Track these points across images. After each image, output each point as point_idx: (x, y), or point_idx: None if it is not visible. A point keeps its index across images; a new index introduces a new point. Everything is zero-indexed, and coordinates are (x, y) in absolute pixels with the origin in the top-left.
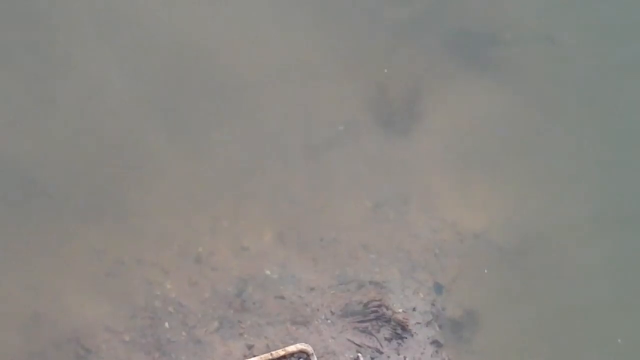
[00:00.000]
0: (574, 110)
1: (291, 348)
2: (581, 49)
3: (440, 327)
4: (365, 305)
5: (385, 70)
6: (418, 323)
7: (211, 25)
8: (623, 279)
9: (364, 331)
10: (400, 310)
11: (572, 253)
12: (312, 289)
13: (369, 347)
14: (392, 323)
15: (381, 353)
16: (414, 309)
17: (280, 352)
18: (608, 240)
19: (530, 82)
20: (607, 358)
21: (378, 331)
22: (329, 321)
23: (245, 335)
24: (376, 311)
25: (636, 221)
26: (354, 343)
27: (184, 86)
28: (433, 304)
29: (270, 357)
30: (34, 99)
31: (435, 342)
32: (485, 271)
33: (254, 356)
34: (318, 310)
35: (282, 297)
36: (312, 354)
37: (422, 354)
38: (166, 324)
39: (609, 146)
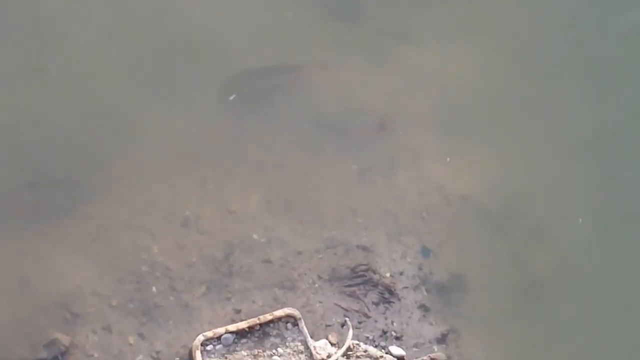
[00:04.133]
0: (567, 71)
1: (278, 312)
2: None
3: (427, 291)
4: (353, 269)
5: None
6: (405, 287)
7: None
8: (610, 239)
9: (352, 295)
10: (388, 274)
11: (559, 214)
12: (299, 253)
13: (356, 311)
14: (380, 287)
15: (368, 317)
16: (401, 273)
17: (268, 317)
18: (595, 200)
19: (517, 41)
20: (594, 318)
21: (365, 295)
22: (316, 285)
23: (233, 300)
24: (363, 275)
25: (623, 179)
26: (342, 307)
27: (169, 51)
28: (420, 268)
29: (258, 321)
30: (17, 67)
31: (422, 306)
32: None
33: (242, 320)
34: (305, 274)
35: (270, 261)
36: (300, 318)
37: (409, 318)
38: (154, 289)
39: (596, 105)
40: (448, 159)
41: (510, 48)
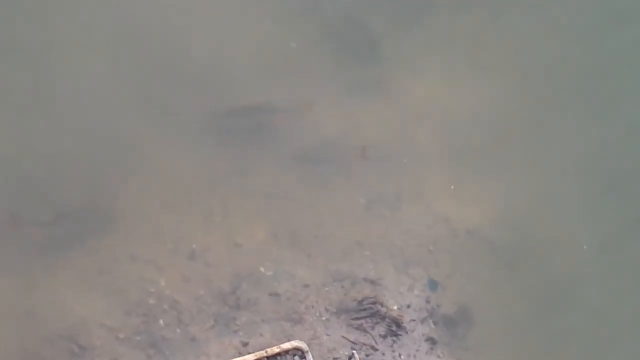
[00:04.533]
0: (569, 102)
1: (286, 345)
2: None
3: (434, 323)
4: (360, 302)
5: None
6: (413, 320)
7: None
8: (616, 273)
9: (359, 328)
10: (395, 307)
11: (565, 249)
12: (306, 285)
13: (363, 344)
14: (387, 320)
15: (376, 350)
16: (408, 306)
17: (275, 350)
18: (602, 234)
19: (523, 75)
20: (599, 350)
21: (373, 328)
22: (323, 318)
23: (240, 333)
24: (371, 308)
25: (631, 219)
26: (349, 340)
27: (178, 86)
28: (427, 301)
29: (265, 354)
30: (21, 98)
31: (430, 339)
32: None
33: (249, 353)
34: (313, 307)
35: (277, 294)
36: (307, 351)
37: (417, 350)
38: (161, 321)
39: (603, 137)
40: (452, 187)
41: (516, 81)
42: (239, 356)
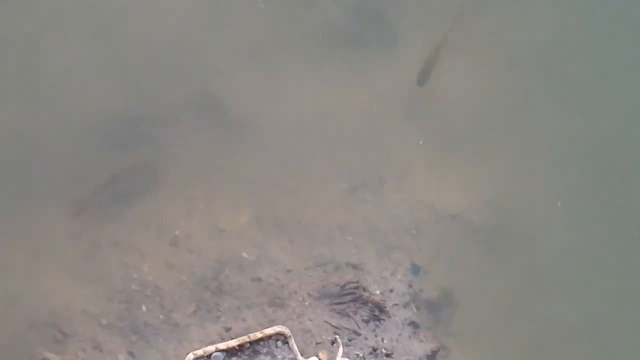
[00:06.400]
0: (555, 87)
1: (269, 330)
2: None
3: (417, 308)
4: (343, 287)
5: None
6: (395, 304)
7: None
8: (595, 259)
9: (342, 313)
10: (378, 291)
11: (547, 233)
12: (289, 270)
13: (346, 328)
14: (370, 305)
15: (359, 335)
16: (391, 291)
17: (258, 335)
18: (582, 220)
19: (507, 58)
20: (582, 337)
21: (355, 313)
22: (306, 303)
23: (223, 318)
24: (353, 293)
25: (611, 203)
26: (332, 325)
27: (158, 69)
28: (410, 285)
29: (248, 339)
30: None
31: (412, 324)
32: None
33: (232, 339)
34: (295, 292)
35: (259, 279)
36: (290, 336)
37: (399, 335)
38: (143, 307)
39: (589, 125)
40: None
41: (500, 65)
42: (222, 341)
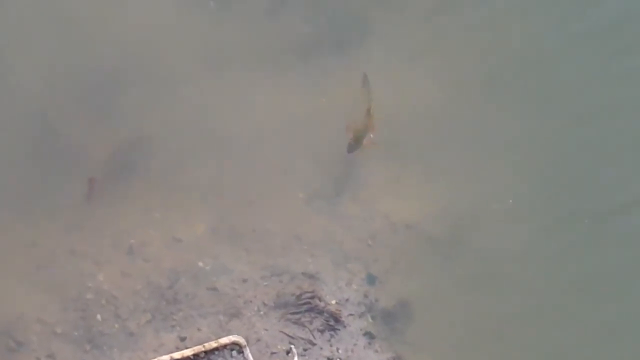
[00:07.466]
0: (508, 98)
1: (224, 340)
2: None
3: (373, 318)
4: (298, 296)
5: None
6: (351, 314)
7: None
8: (556, 267)
9: (297, 323)
10: (333, 301)
11: (500, 241)
12: (244, 280)
13: (301, 338)
14: (325, 314)
15: (314, 345)
16: (346, 300)
17: (213, 344)
18: (539, 228)
19: (464, 66)
20: (538, 355)
21: (311, 323)
22: (261, 313)
23: (178, 327)
24: (309, 303)
25: (568, 208)
26: (287, 335)
27: (120, 76)
28: (366, 295)
29: (203, 349)
30: None
31: (368, 334)
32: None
33: (187, 348)
34: (251, 301)
35: (215, 289)
36: (245, 345)
37: (354, 345)
38: (98, 316)
39: (542, 135)
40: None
41: (457, 72)
42: (177, 351)
